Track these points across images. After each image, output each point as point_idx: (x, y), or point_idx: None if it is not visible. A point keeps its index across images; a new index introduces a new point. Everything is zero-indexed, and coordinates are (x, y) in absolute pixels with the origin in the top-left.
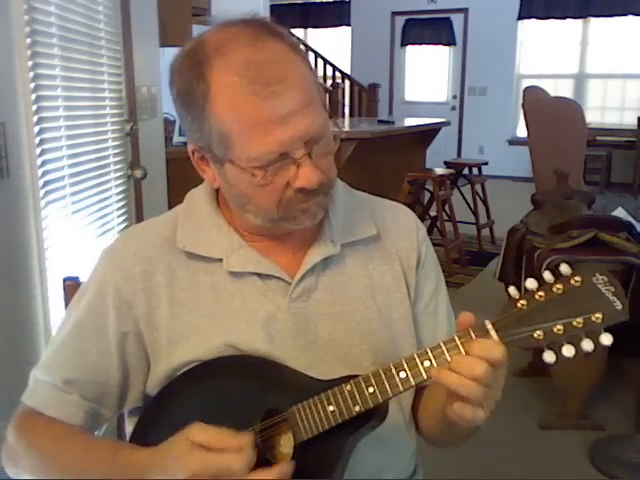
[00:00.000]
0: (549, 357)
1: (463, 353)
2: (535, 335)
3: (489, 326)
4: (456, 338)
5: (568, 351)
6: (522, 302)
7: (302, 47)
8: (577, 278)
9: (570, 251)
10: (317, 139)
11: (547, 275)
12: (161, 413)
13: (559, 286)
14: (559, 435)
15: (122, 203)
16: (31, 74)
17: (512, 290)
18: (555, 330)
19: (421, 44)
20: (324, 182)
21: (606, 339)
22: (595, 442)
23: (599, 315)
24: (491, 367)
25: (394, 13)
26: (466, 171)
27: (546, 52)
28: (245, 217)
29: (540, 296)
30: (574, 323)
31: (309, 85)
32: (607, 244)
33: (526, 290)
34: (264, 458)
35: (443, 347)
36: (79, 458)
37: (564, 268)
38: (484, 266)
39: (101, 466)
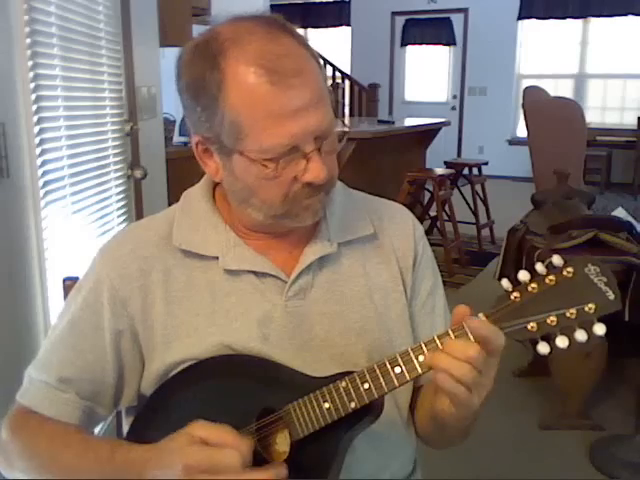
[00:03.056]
0: (543, 349)
1: None
2: (529, 327)
3: (483, 319)
4: (450, 332)
5: (562, 342)
6: (515, 294)
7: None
8: (569, 269)
9: (570, 251)
10: (326, 135)
11: (539, 267)
12: (157, 412)
13: (551, 278)
14: (559, 435)
15: (122, 203)
16: (31, 74)
17: (505, 283)
18: (548, 321)
19: (421, 44)
20: (329, 179)
21: (599, 329)
22: (595, 442)
23: (592, 305)
24: (484, 351)
25: (394, 13)
26: (466, 171)
27: (546, 52)
28: (247, 212)
29: (533, 288)
30: (567, 314)
31: (321, 82)
32: (607, 244)
33: (519, 282)
34: (260, 457)
35: (437, 341)
36: (76, 456)
37: (556, 260)
38: (484, 266)
39: (99, 464)
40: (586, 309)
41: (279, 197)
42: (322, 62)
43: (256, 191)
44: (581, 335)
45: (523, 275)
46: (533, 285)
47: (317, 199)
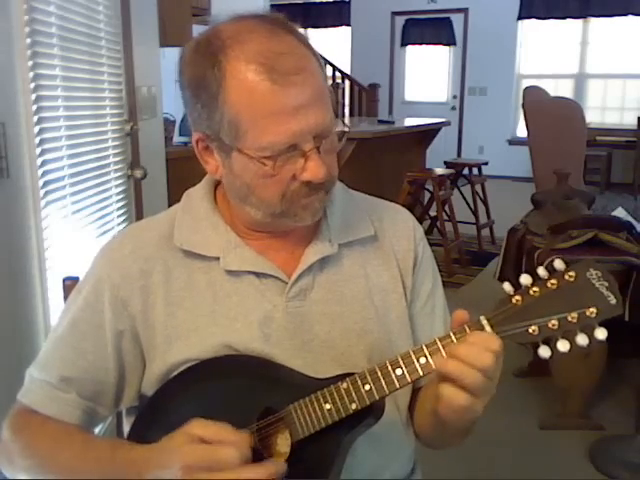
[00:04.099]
0: (544, 352)
1: None
2: (530, 330)
3: (484, 322)
4: (451, 334)
5: (563, 346)
6: (517, 298)
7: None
8: (571, 273)
9: (570, 251)
10: (326, 134)
11: (541, 271)
12: (158, 413)
13: (553, 281)
14: (559, 435)
15: (122, 203)
16: (31, 74)
17: (507, 286)
18: (550, 325)
19: (421, 44)
20: (328, 178)
21: (601, 333)
22: (595, 442)
23: (593, 310)
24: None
25: (394, 13)
26: (466, 171)
27: (546, 52)
28: (246, 211)
29: (534, 291)
30: (569, 318)
31: (321, 81)
32: (607, 244)
33: (520, 286)
34: (261, 457)
35: (439, 343)
36: (77, 456)
37: (558, 263)
38: (484, 266)
39: (100, 464)
40: (587, 313)
41: (277, 195)
42: (322, 62)
43: (254, 189)
44: (582, 339)
45: (525, 279)
46: (535, 289)
47: (316, 198)
